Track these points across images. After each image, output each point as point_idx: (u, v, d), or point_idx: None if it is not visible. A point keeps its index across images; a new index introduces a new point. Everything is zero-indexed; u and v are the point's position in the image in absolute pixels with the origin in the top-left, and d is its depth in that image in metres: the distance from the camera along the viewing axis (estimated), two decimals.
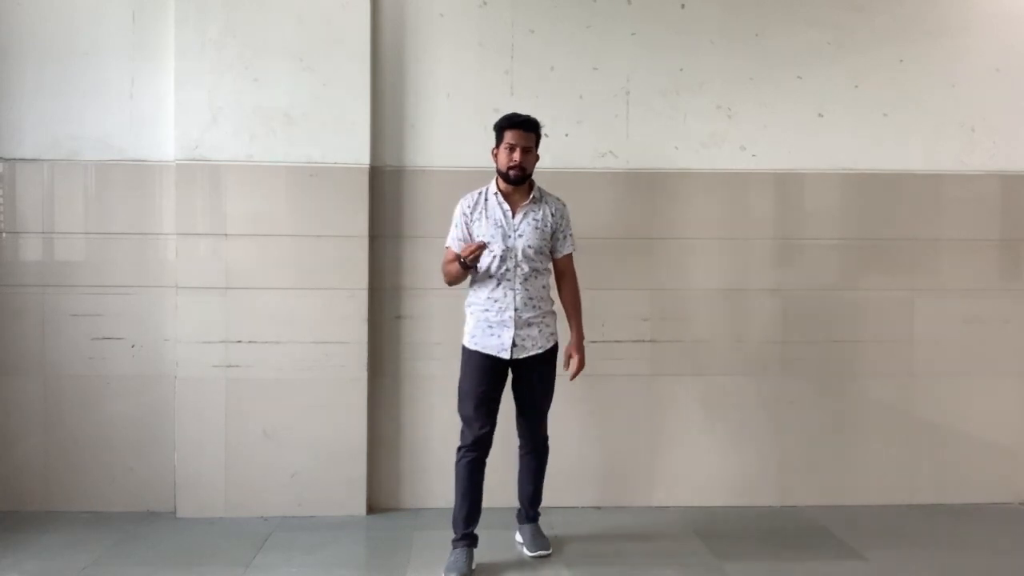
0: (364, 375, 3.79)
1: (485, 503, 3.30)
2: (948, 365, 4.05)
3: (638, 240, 3.95)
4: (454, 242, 3.29)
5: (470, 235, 3.26)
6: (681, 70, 3.94)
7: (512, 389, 3.34)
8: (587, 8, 3.91)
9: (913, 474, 4.05)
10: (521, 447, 3.44)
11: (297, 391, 3.77)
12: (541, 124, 3.30)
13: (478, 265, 3.21)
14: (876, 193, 4.01)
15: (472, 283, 3.31)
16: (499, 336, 3.23)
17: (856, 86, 4.00)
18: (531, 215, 3.27)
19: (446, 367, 3.69)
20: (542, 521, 3.51)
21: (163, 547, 3.46)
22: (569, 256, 3.39)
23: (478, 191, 3.32)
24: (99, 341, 3.80)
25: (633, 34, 3.93)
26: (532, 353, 3.26)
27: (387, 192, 3.87)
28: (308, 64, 3.74)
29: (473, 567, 3.24)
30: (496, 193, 3.28)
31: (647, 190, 3.94)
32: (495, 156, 3.28)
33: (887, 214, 4.02)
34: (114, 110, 3.79)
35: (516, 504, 3.51)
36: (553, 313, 3.36)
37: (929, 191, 4.03)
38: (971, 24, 4.04)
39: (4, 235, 3.79)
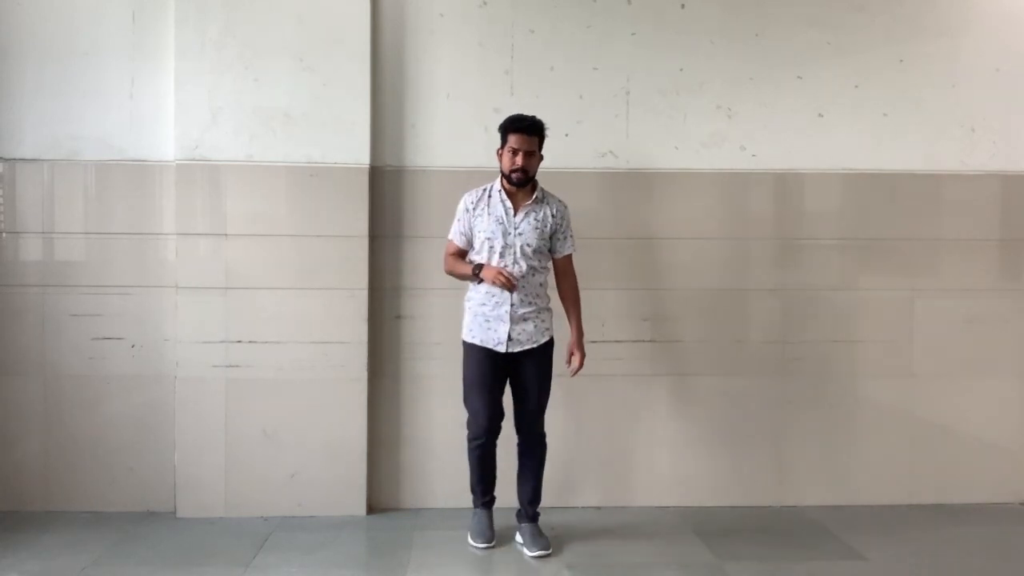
0: (364, 375, 3.79)
1: None
2: (948, 365, 4.05)
3: (638, 240, 3.95)
4: (456, 235, 3.43)
5: (471, 229, 3.37)
6: (681, 70, 3.94)
7: (510, 383, 3.42)
8: (587, 8, 3.91)
9: (913, 474, 4.05)
10: (519, 444, 3.48)
11: (297, 391, 3.77)
12: (545, 124, 3.36)
13: (481, 275, 3.32)
14: (876, 193, 4.00)
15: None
16: (495, 330, 3.33)
17: (856, 86, 4.00)
18: (532, 215, 3.35)
19: (446, 367, 3.71)
20: (542, 521, 3.52)
21: (163, 547, 3.45)
22: (569, 256, 3.47)
23: (483, 187, 3.42)
24: (99, 341, 3.80)
25: (633, 34, 3.93)
26: (527, 347, 3.35)
27: (387, 192, 3.87)
28: (308, 64, 3.74)
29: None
30: (500, 190, 3.38)
31: (647, 190, 3.94)
32: (499, 156, 3.35)
33: (887, 214, 4.02)
34: (114, 110, 3.79)
35: (516, 504, 3.52)
36: (549, 310, 3.43)
37: (929, 191, 4.03)
38: (971, 24, 4.04)
39: (4, 235, 3.79)
